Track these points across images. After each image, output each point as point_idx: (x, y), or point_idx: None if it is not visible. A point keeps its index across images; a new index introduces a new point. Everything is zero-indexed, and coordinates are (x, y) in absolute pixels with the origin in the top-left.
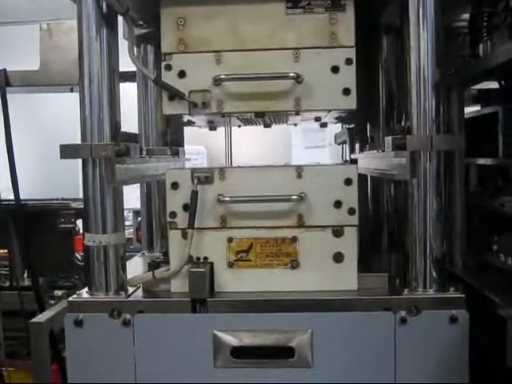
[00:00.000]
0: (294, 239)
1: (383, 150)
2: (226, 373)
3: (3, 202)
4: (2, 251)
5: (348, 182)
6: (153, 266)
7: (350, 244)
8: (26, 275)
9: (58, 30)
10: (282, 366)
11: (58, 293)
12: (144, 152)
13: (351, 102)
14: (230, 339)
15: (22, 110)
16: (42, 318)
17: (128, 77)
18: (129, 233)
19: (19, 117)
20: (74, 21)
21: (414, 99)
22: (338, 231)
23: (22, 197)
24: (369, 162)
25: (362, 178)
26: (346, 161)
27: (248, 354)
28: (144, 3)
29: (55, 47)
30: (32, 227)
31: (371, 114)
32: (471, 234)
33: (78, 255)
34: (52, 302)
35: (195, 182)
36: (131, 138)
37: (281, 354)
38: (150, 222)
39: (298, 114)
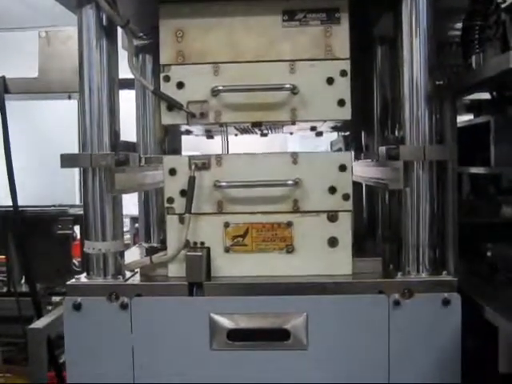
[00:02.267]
0: (290, 224)
1: (377, 160)
2: (223, 355)
3: (1, 209)
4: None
5: (342, 168)
6: (150, 251)
7: (344, 229)
8: (23, 281)
9: (55, 38)
10: (278, 348)
11: (56, 299)
12: (143, 161)
13: (346, 113)
14: (226, 322)
15: (18, 116)
16: (39, 323)
17: (127, 84)
18: (126, 238)
19: (16, 122)
20: (71, 28)
21: (407, 110)
22: (332, 216)
23: (19, 203)
24: (363, 170)
25: (356, 185)
26: None
27: (244, 336)
28: (143, 16)
29: (53, 55)
30: (30, 233)
31: (366, 123)
32: (464, 241)
33: (76, 261)
34: (49, 307)
35: (192, 167)
36: (130, 146)
37: (276, 336)
38: (148, 215)
39: (293, 123)
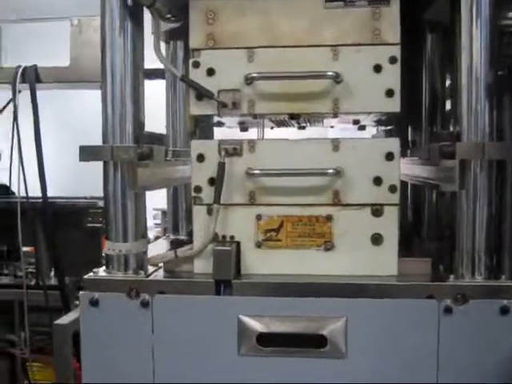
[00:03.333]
0: (329, 218)
1: (428, 158)
2: (251, 361)
3: (30, 200)
4: (28, 248)
5: (389, 156)
6: (175, 244)
7: (390, 225)
8: (52, 274)
9: (88, 25)
10: (313, 355)
11: None
12: (170, 154)
13: (395, 105)
14: (257, 325)
15: (54, 106)
16: (65, 319)
17: (158, 74)
18: (157, 231)
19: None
20: None
21: (464, 103)
22: (377, 210)
23: (50, 194)
24: (410, 168)
25: (402, 184)
26: None
27: (275, 341)
28: None
29: (85, 43)
30: (59, 225)
31: (412, 117)
32: None
33: None
34: (77, 302)
35: (222, 153)
36: (155, 139)
37: (312, 342)
38: (176, 206)
39: (335, 116)
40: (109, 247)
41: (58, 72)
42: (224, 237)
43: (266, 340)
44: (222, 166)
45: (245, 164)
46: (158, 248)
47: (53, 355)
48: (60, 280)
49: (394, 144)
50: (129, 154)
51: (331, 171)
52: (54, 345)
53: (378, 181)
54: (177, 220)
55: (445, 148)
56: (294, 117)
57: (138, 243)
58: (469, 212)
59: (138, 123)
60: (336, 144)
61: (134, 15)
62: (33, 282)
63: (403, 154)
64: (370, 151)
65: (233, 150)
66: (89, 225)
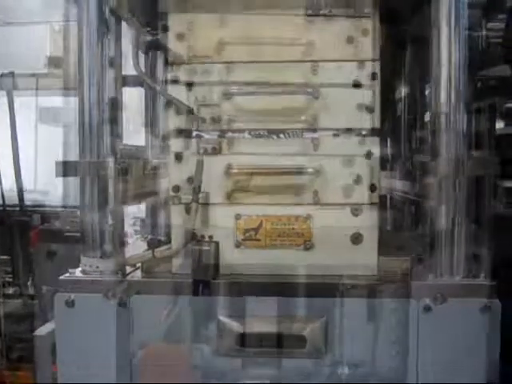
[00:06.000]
0: (308, 217)
1: (406, 171)
2: (231, 362)
3: (8, 208)
4: (5, 257)
5: (369, 155)
6: (153, 244)
7: (370, 224)
8: (30, 283)
9: (68, 31)
10: (292, 355)
11: None
12: (149, 166)
13: (374, 121)
14: (236, 325)
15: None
16: (43, 330)
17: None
18: (137, 238)
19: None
20: None
21: (443, 116)
22: (356, 210)
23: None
24: (390, 182)
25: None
26: None
27: (255, 341)
28: (151, 9)
29: (66, 49)
30: (37, 234)
31: (392, 129)
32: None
33: None
34: None
35: (201, 152)
36: (134, 152)
37: (291, 342)
38: (155, 208)
39: (314, 131)
40: (85, 263)
41: (37, 79)
42: (203, 236)
43: (246, 340)
44: (200, 165)
45: (224, 163)
46: (136, 248)
47: (34, 365)
48: (37, 289)
49: (373, 143)
50: (106, 170)
51: (311, 170)
52: (35, 355)
53: (357, 180)
54: (156, 222)
55: (425, 164)
56: (272, 132)
57: (115, 259)
58: (448, 221)
59: (117, 136)
60: (316, 143)
61: (111, 26)
62: (10, 291)
63: (382, 168)
64: (350, 150)
65: (212, 149)
66: (68, 234)
